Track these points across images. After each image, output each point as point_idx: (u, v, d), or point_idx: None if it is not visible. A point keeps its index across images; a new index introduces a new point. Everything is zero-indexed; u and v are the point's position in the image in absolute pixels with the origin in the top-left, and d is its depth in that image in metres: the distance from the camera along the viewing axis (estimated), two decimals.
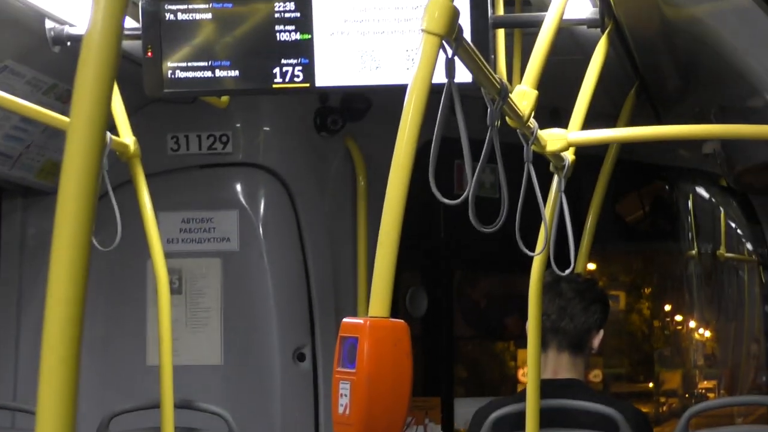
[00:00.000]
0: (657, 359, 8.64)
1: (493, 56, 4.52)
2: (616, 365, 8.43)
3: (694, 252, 7.53)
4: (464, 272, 7.49)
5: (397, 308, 2.59)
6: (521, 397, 4.87)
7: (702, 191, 7.25)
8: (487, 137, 3.32)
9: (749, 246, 7.06)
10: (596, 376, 7.64)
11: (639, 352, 8.53)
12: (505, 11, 4.76)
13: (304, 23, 4.64)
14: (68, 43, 4.66)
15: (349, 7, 4.64)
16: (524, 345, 7.27)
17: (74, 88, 1.70)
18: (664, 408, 8.19)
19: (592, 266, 6.98)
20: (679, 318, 8.62)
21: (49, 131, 5.34)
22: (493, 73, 3.52)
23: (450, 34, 2.88)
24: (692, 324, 8.38)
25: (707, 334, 8.30)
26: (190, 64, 4.71)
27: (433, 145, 3.04)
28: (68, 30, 4.68)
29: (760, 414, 6.73)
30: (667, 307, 8.65)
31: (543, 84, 4.18)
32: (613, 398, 5.56)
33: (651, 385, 8.41)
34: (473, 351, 7.89)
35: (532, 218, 4.09)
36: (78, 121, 1.69)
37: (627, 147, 5.87)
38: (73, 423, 1.72)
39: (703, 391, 8.28)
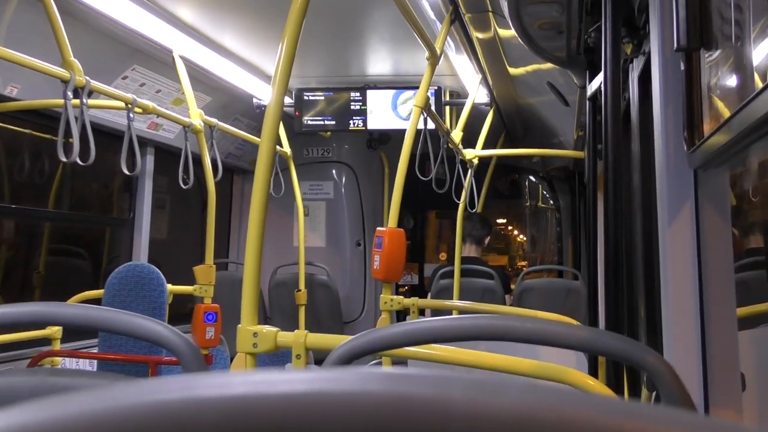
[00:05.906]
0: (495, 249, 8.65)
1: (444, 118, 4.49)
2: (488, 252, 8.36)
3: (528, 204, 7.45)
4: (430, 210, 7.44)
5: (400, 224, 2.57)
6: (453, 262, 4.86)
7: (532, 178, 7.16)
8: (440, 152, 3.30)
9: (551, 202, 6.98)
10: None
11: (496, 248, 8.45)
12: (450, 98, 4.72)
13: (364, 101, 4.60)
14: (263, 107, 4.63)
15: (381, 98, 4.59)
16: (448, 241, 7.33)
17: (263, 127, 1.69)
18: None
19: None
20: (517, 232, 8.59)
21: (253, 145, 5.29)
22: (443, 124, 3.48)
23: (426, 107, 2.84)
24: (527, 232, 8.32)
25: (531, 238, 8.21)
26: (314, 118, 4.66)
27: (417, 155, 3.02)
28: (262, 102, 4.65)
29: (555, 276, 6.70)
30: (515, 228, 8.64)
31: (465, 129, 4.13)
32: (490, 265, 5.53)
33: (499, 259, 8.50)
34: (432, 243, 7.85)
35: (459, 187, 4.05)
36: (264, 141, 1.68)
37: (500, 158, 5.81)
38: (258, 270, 1.70)
39: (520, 267, 8.18)
